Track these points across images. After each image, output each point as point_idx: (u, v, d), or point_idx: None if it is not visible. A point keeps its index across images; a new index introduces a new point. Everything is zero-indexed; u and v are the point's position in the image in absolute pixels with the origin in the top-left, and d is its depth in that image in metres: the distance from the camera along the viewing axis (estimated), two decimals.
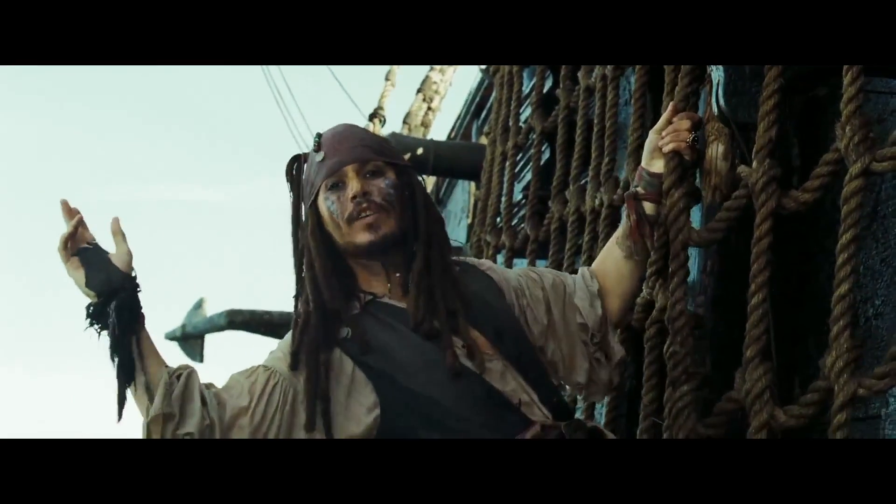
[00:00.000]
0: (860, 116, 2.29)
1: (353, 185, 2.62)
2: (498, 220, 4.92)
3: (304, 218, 2.72)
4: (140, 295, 2.58)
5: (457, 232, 7.11)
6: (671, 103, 2.86)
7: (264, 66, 8.90)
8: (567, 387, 3.00)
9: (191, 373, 2.56)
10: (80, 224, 2.57)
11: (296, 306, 2.69)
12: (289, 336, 2.66)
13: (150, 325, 2.59)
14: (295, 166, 2.76)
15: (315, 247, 2.66)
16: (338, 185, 2.65)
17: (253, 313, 9.82)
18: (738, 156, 2.80)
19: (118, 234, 2.60)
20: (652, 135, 2.83)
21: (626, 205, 2.82)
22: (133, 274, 2.58)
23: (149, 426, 2.48)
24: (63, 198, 2.60)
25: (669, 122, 2.80)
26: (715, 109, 2.80)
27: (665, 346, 2.86)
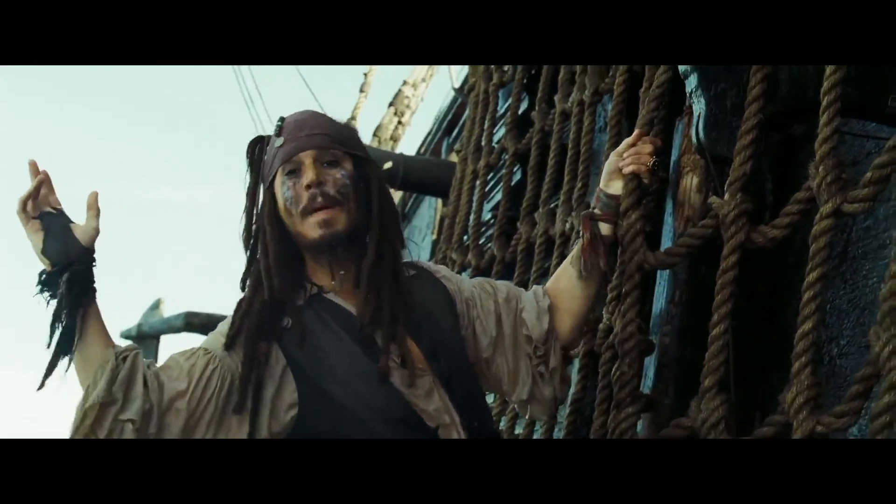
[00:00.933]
0: (834, 157, 2.31)
1: (309, 174, 2.62)
2: (465, 238, 4.93)
3: (259, 199, 2.71)
4: (95, 271, 2.55)
5: (421, 248, 7.11)
6: (636, 128, 2.89)
7: (238, 74, 8.89)
8: (514, 406, 2.99)
9: (136, 354, 2.54)
10: (44, 185, 2.55)
11: (242, 287, 2.68)
12: (229, 318, 2.64)
13: (107, 323, 2.58)
14: (257, 148, 2.75)
15: (269, 231, 2.66)
16: (294, 172, 2.64)
17: (210, 317, 9.80)
18: (712, 189, 2.82)
19: (93, 208, 2.58)
20: (612, 157, 2.85)
21: (581, 225, 2.83)
22: (92, 249, 2.55)
23: (86, 411, 2.44)
24: (32, 158, 2.56)
25: (632, 145, 2.82)
26: (694, 141, 2.82)
27: (613, 369, 2.87)
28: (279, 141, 2.67)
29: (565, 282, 2.84)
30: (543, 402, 2.80)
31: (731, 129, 2.70)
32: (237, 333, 2.59)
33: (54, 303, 2.53)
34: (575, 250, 2.84)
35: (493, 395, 3.68)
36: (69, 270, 2.52)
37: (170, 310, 11.06)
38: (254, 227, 2.70)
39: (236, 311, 2.63)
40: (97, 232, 2.57)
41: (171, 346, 11.53)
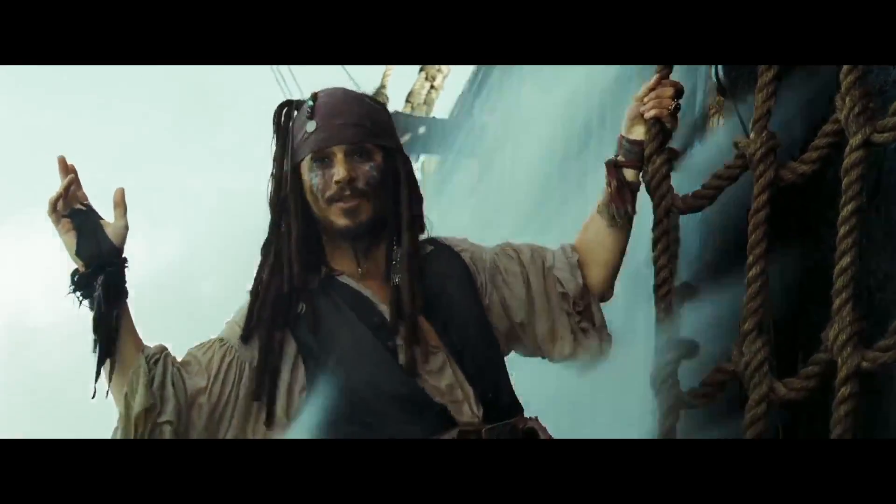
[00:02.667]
0: (860, 87, 2.26)
1: (340, 169, 2.61)
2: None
3: (286, 169, 2.68)
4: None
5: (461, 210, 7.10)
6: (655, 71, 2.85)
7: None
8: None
9: (166, 356, 2.57)
10: (74, 183, 2.54)
11: (262, 266, 2.67)
12: (246, 305, 2.65)
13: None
14: (284, 112, 2.73)
15: (294, 211, 2.65)
16: (324, 161, 2.63)
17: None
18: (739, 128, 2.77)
19: (120, 205, 2.58)
20: (633, 102, 2.80)
21: (606, 173, 2.79)
22: (122, 249, 2.56)
23: (135, 421, 2.49)
24: (61, 154, 2.55)
25: (651, 90, 2.77)
26: (715, 81, 2.78)
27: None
28: (311, 125, 2.64)
29: (593, 234, 2.82)
30: (591, 352, 2.79)
31: (752, 66, 2.65)
32: (253, 324, 2.61)
33: (87, 302, 2.54)
34: (600, 200, 2.81)
35: None
36: (104, 272, 2.52)
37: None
38: (282, 196, 2.68)
39: (252, 299, 2.64)
40: (127, 229, 2.57)
41: None
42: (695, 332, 2.88)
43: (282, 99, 2.78)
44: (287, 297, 2.62)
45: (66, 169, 2.55)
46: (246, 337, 2.60)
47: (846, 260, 2.27)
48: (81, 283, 2.54)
